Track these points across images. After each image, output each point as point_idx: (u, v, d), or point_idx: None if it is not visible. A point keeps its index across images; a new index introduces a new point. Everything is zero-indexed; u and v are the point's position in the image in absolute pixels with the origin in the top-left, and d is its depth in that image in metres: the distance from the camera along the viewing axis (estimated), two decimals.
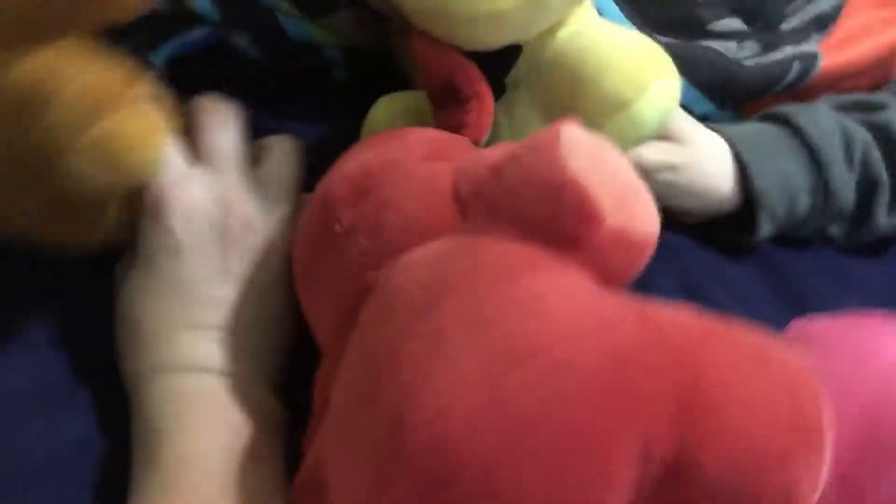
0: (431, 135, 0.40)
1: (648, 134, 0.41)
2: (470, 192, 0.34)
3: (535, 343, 0.27)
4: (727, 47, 0.51)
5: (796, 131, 0.49)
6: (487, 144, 0.42)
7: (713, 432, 0.27)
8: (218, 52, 0.56)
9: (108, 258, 0.44)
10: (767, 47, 0.52)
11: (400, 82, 0.50)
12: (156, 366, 0.39)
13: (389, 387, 0.29)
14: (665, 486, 0.27)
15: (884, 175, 0.49)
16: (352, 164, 0.38)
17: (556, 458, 0.26)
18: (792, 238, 0.51)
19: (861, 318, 0.33)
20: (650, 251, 0.31)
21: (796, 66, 0.51)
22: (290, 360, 0.42)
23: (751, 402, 0.27)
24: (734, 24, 0.51)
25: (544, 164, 0.31)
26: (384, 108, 0.48)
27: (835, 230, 0.51)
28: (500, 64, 0.43)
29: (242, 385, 0.39)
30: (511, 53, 0.43)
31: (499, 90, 0.44)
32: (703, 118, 0.50)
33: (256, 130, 0.55)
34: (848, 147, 0.49)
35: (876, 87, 0.54)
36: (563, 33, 0.42)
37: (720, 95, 0.52)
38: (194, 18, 0.55)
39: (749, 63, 0.51)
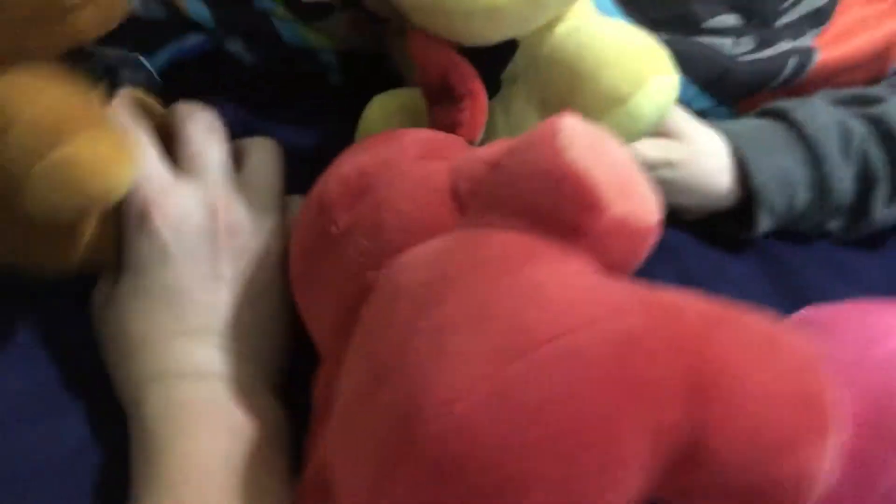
0: (426, 135, 0.40)
1: (646, 129, 0.41)
2: (468, 189, 0.34)
3: (541, 332, 0.27)
4: (723, 44, 0.51)
5: (794, 126, 0.49)
6: (484, 140, 0.42)
7: (723, 417, 0.27)
8: (213, 58, 0.57)
9: None
10: (763, 43, 0.52)
11: (395, 85, 0.50)
12: (153, 374, 0.39)
13: (395, 384, 0.29)
14: (676, 471, 0.27)
15: (881, 168, 0.49)
16: (347, 165, 0.38)
17: (565, 446, 0.26)
18: (791, 232, 0.51)
19: (866, 303, 0.33)
20: (652, 239, 0.31)
21: (792, 62, 0.52)
22: (289, 361, 0.42)
23: (760, 387, 0.27)
24: (730, 20, 0.52)
25: (544, 155, 0.31)
26: (379, 106, 0.48)
27: (833, 224, 0.51)
28: (496, 60, 0.43)
29: (242, 388, 0.39)
30: (507, 49, 0.43)
31: (495, 86, 0.44)
32: (700, 114, 0.50)
33: (252, 136, 0.55)
34: (846, 141, 0.49)
35: (872, 80, 0.54)
36: (561, 29, 0.42)
37: (716, 92, 0.52)
38: (189, 25, 0.55)
39: (745, 59, 0.51)
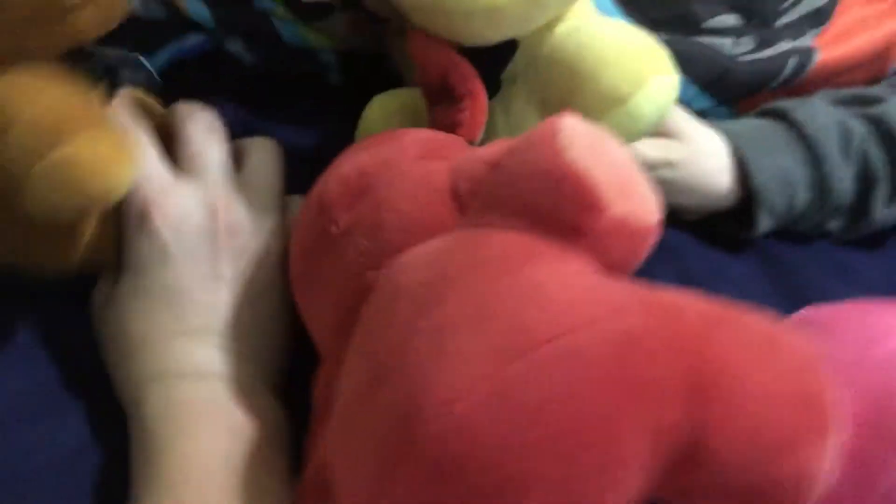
0: (426, 135, 0.40)
1: (646, 129, 0.41)
2: (468, 189, 0.34)
3: (541, 332, 0.27)
4: (723, 44, 0.51)
5: (794, 126, 0.49)
6: (484, 140, 0.42)
7: (723, 417, 0.27)
8: (213, 58, 0.57)
9: None
10: (763, 43, 0.52)
11: (395, 85, 0.50)
12: (153, 374, 0.39)
13: (395, 384, 0.29)
14: (676, 471, 0.27)
15: (881, 168, 0.49)
16: (347, 165, 0.38)
17: (565, 446, 0.26)
18: (791, 232, 0.51)
19: (865, 304, 0.33)
20: (652, 239, 0.31)
21: (792, 62, 0.52)
22: (288, 362, 0.42)
23: (760, 386, 0.27)
24: (729, 20, 0.51)
25: (544, 155, 0.31)
26: (379, 105, 0.48)
27: (833, 224, 0.51)
28: (496, 60, 0.43)
29: (242, 388, 0.39)
30: (507, 49, 0.43)
31: (495, 86, 0.44)
32: (701, 114, 0.50)
33: (251, 135, 0.55)
34: (846, 141, 0.49)
35: (872, 80, 0.54)
36: (562, 29, 0.42)
37: (716, 92, 0.52)
38: (189, 25, 0.55)
39: (745, 59, 0.51)
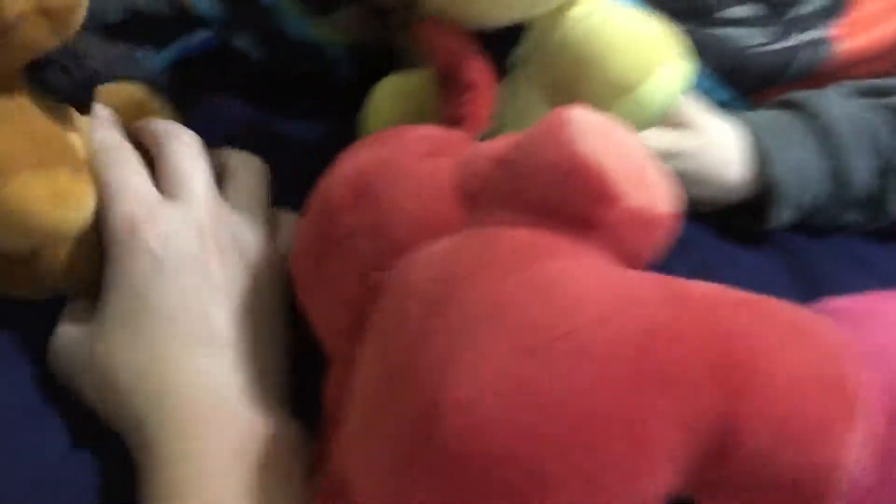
0: (429, 132, 0.39)
1: (655, 118, 0.41)
2: (475, 185, 0.33)
3: (557, 328, 0.26)
4: (738, 35, 0.51)
5: (810, 117, 0.48)
6: (489, 125, 0.42)
7: (753, 406, 0.26)
8: (220, 54, 0.56)
9: None
10: (779, 34, 0.51)
11: None
12: (158, 397, 0.38)
13: (410, 385, 0.28)
14: (707, 463, 0.27)
15: None
16: (349, 165, 0.38)
17: (589, 440, 0.25)
18: (807, 224, 0.50)
19: (886, 295, 0.33)
20: (668, 230, 0.31)
21: (809, 53, 0.51)
22: (290, 370, 0.42)
23: (789, 374, 0.26)
24: (745, 11, 0.51)
25: (553, 148, 0.30)
26: (388, 86, 0.47)
27: (851, 216, 0.50)
28: (503, 44, 0.42)
29: (252, 401, 0.38)
30: (515, 33, 0.42)
31: (501, 70, 0.43)
32: (720, 106, 0.50)
33: (258, 131, 0.55)
34: (863, 133, 0.48)
35: (891, 71, 0.53)
36: (574, 13, 0.41)
37: (732, 83, 0.51)
38: (195, 21, 0.55)
39: (760, 50, 0.51)
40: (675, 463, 0.26)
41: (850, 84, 0.51)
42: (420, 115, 0.45)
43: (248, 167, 0.45)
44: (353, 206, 0.36)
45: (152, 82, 0.50)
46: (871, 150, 0.48)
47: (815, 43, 0.51)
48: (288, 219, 0.44)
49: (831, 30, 0.52)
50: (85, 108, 0.41)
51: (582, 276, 0.28)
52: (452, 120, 0.41)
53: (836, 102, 0.49)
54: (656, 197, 0.30)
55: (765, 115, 0.50)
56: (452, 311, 0.28)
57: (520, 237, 0.30)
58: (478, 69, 0.41)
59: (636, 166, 0.30)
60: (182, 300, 0.39)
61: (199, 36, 0.57)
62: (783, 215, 0.48)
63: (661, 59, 0.40)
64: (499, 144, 0.34)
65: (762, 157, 0.47)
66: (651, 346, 0.26)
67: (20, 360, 0.42)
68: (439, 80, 0.43)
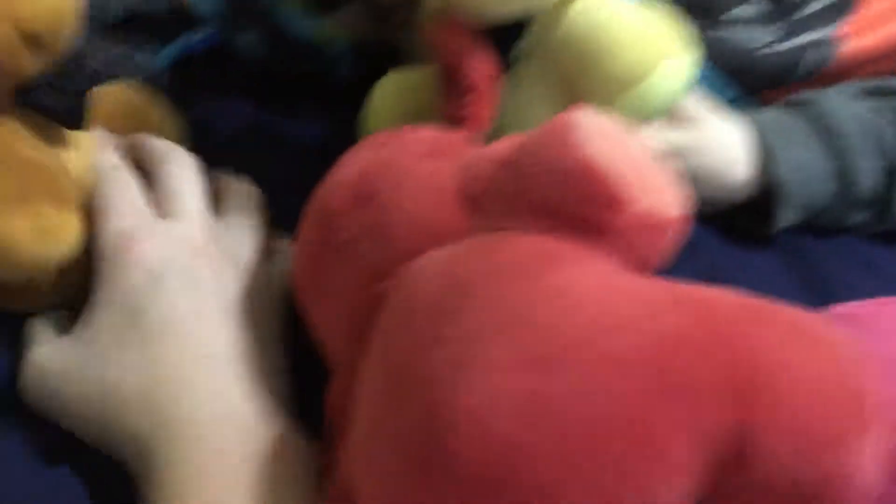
0: (430, 133, 0.39)
1: (657, 113, 0.40)
2: (479, 189, 0.33)
3: (570, 339, 0.26)
4: (746, 34, 0.50)
5: (817, 118, 0.48)
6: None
7: (771, 415, 0.25)
8: (221, 53, 0.56)
9: None
10: (787, 34, 0.51)
11: None
12: (162, 419, 0.37)
13: (418, 396, 0.27)
14: (723, 473, 0.26)
15: None
16: (349, 169, 0.37)
17: (605, 455, 0.25)
18: (813, 226, 0.50)
19: (893, 298, 0.32)
20: (677, 232, 0.30)
21: (816, 52, 0.51)
22: (293, 376, 0.41)
23: (806, 382, 0.26)
24: (752, 10, 0.51)
25: (559, 152, 0.30)
26: (390, 82, 0.47)
27: (857, 217, 0.50)
28: (506, 38, 0.42)
29: (253, 408, 0.38)
30: (518, 27, 0.42)
31: (503, 65, 0.43)
32: (727, 105, 0.49)
33: (258, 131, 0.55)
34: (869, 133, 0.48)
35: None
36: (577, 7, 0.41)
37: (740, 83, 0.51)
38: (196, 20, 0.55)
39: (768, 50, 0.50)
40: (690, 472, 0.26)
41: (856, 84, 0.51)
42: (421, 113, 0.44)
43: (243, 192, 0.45)
44: (354, 209, 0.35)
45: (152, 82, 0.50)
46: (876, 151, 0.48)
47: (822, 43, 0.51)
48: (284, 243, 0.44)
49: (838, 29, 0.51)
50: (77, 126, 0.41)
51: (592, 283, 0.28)
52: (454, 120, 0.41)
53: (841, 103, 0.49)
54: (665, 200, 0.30)
55: (770, 115, 0.49)
56: (460, 321, 0.28)
57: (526, 244, 0.30)
58: (481, 69, 0.41)
59: (644, 169, 0.30)
60: (177, 313, 0.38)
61: (200, 35, 0.56)
62: (788, 216, 0.48)
63: (665, 52, 0.39)
64: (502, 147, 0.33)
65: (766, 157, 0.47)
66: (666, 355, 0.26)
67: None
68: (442, 79, 0.42)
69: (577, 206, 0.29)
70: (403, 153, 0.36)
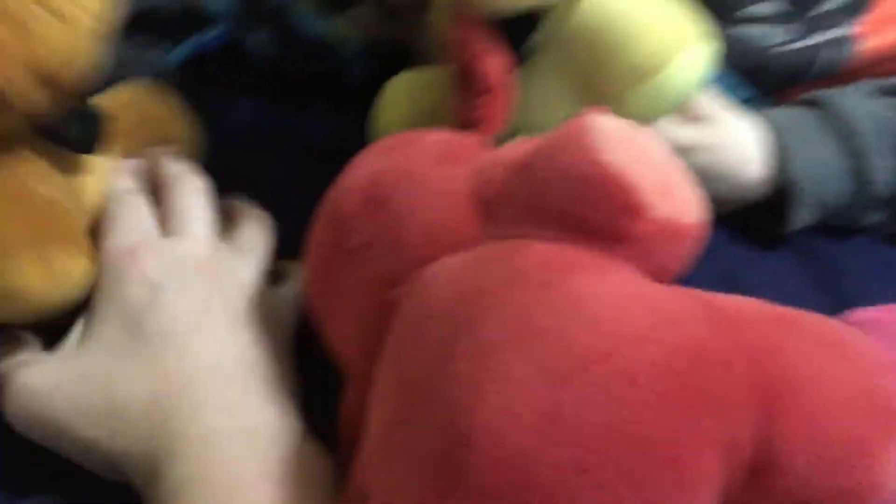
0: (443, 137, 0.38)
1: (673, 106, 0.40)
2: (493, 195, 0.32)
3: (591, 350, 0.26)
4: (761, 33, 0.50)
5: (832, 116, 0.48)
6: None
7: (797, 426, 0.25)
8: (233, 51, 0.56)
9: None
10: (802, 32, 0.51)
11: None
12: (172, 437, 0.36)
13: (435, 409, 0.27)
14: (749, 484, 0.26)
15: None
16: (361, 172, 0.37)
17: (629, 469, 0.25)
18: (829, 226, 0.49)
19: None
20: (697, 239, 0.30)
21: (832, 51, 0.50)
22: (305, 384, 0.41)
23: (831, 392, 0.26)
24: (767, 8, 0.50)
25: (576, 158, 0.29)
26: (401, 83, 0.47)
27: (873, 217, 0.49)
28: (519, 31, 0.41)
29: (264, 417, 0.37)
30: (531, 20, 0.41)
31: (516, 58, 0.42)
32: (742, 104, 0.49)
33: (271, 130, 0.55)
34: (885, 132, 0.47)
35: None
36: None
37: (755, 82, 0.50)
38: (209, 19, 0.55)
39: (783, 49, 0.50)
40: (715, 484, 0.26)
41: (871, 83, 0.50)
42: (432, 112, 0.44)
43: (254, 217, 0.45)
44: (365, 214, 0.35)
45: (164, 81, 0.50)
46: (892, 150, 0.47)
47: (838, 41, 0.50)
48: (295, 267, 0.44)
49: (854, 27, 0.51)
50: (91, 151, 0.41)
51: (610, 292, 0.27)
52: (468, 122, 0.41)
53: (857, 101, 0.48)
54: (684, 207, 0.29)
55: (785, 113, 0.49)
56: (475, 331, 0.27)
57: (541, 251, 0.29)
58: (496, 70, 0.40)
59: (662, 175, 0.29)
60: (185, 328, 0.38)
61: (213, 34, 0.56)
62: (803, 216, 0.47)
63: (682, 43, 0.39)
64: (517, 150, 0.33)
65: (781, 155, 0.47)
66: (692, 367, 0.25)
67: None
68: (457, 80, 0.42)
69: (593, 212, 0.29)
70: (416, 157, 0.36)
